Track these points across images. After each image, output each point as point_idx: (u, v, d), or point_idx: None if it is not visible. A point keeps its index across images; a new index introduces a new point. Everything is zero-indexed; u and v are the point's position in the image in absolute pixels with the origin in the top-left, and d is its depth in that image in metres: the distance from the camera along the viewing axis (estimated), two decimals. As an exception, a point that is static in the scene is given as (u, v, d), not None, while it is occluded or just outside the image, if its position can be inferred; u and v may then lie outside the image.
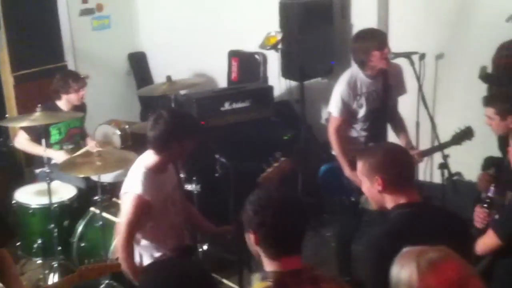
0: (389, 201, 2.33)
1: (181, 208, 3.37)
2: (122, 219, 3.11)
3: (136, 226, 3.07)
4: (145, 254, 3.23)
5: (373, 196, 2.38)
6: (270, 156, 2.83)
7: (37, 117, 3.96)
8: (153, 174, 3.11)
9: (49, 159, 4.31)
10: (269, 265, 2.04)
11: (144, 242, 3.22)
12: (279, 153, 2.84)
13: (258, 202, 2.05)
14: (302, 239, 2.08)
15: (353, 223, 4.05)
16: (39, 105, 4.04)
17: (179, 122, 3.06)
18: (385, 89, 3.95)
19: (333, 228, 4.65)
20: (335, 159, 4.01)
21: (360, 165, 2.40)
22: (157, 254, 3.23)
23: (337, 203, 4.12)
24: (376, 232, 2.28)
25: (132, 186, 3.08)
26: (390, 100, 4.04)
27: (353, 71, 3.96)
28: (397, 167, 2.32)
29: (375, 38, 3.83)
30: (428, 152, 4.19)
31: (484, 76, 4.34)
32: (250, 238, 2.07)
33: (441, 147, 4.00)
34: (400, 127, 4.17)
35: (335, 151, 4.00)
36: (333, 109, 3.98)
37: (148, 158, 3.14)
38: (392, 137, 4.24)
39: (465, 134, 3.91)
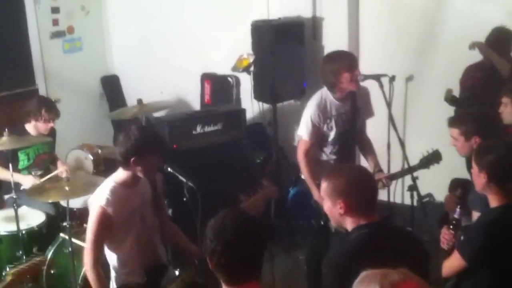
0: (350, 223, 2.42)
1: (154, 225, 3.41)
2: (87, 229, 3.22)
3: (99, 236, 3.16)
4: (112, 268, 3.31)
5: (333, 216, 2.46)
6: (256, 184, 2.87)
7: (4, 142, 3.98)
8: (120, 188, 3.21)
9: (17, 185, 4.33)
10: None
11: (110, 256, 3.31)
12: (265, 179, 2.88)
13: (212, 229, 2.13)
14: (258, 265, 2.15)
15: (323, 246, 4.10)
16: (6, 129, 4.05)
17: (142, 138, 3.15)
18: (354, 111, 4.02)
19: (305, 251, 4.71)
20: (304, 182, 4.08)
21: (324, 185, 2.48)
22: (124, 270, 3.29)
23: (306, 226, 4.17)
24: (334, 251, 2.37)
25: (96, 198, 3.20)
26: (358, 123, 4.10)
27: (323, 93, 4.01)
28: (360, 192, 2.41)
29: (345, 60, 3.89)
30: (396, 176, 4.25)
31: (450, 99, 4.49)
32: (208, 260, 2.15)
33: (409, 170, 4.07)
34: (368, 150, 4.23)
35: (304, 174, 4.04)
36: (303, 132, 4.02)
37: (118, 172, 3.25)
38: (362, 160, 4.35)
39: (432, 158, 3.99)
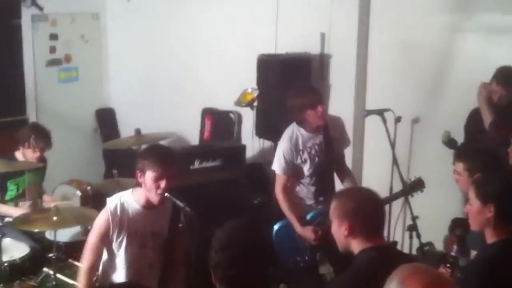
0: (355, 247, 2.63)
1: (154, 259, 3.54)
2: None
3: (97, 242, 3.45)
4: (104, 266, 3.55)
5: (339, 238, 2.68)
6: None
7: None
8: (133, 204, 3.45)
9: (1, 217, 4.44)
10: None
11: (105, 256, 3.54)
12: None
13: (219, 241, 2.27)
14: (264, 280, 2.29)
15: (311, 285, 4.25)
16: None
17: (145, 152, 3.49)
18: (327, 142, 4.32)
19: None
20: (286, 218, 4.31)
21: (332, 206, 2.70)
22: (113, 275, 3.54)
23: (292, 265, 4.30)
24: (341, 275, 2.55)
25: (110, 201, 3.45)
26: (333, 153, 4.37)
27: (294, 127, 4.32)
28: (366, 215, 2.62)
29: (308, 97, 4.20)
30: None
31: (447, 141, 4.70)
32: (212, 274, 2.29)
33: (392, 198, 4.36)
34: (348, 180, 4.47)
35: (284, 209, 4.31)
36: (276, 167, 4.34)
37: (139, 189, 3.48)
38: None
39: (415, 185, 4.28)
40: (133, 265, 3.52)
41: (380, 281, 2.00)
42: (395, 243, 4.35)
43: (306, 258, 4.27)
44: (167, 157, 3.40)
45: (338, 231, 2.66)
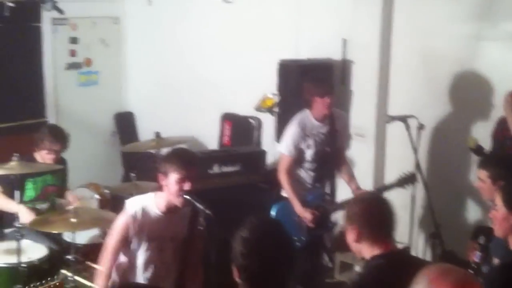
0: (366, 252, 2.67)
1: (172, 263, 3.57)
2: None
3: (116, 243, 3.50)
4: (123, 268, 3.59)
5: (351, 244, 2.73)
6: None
7: (12, 166, 4.17)
8: (153, 208, 3.49)
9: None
10: None
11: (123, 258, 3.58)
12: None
13: (246, 243, 2.30)
14: (286, 284, 2.33)
15: (307, 266, 4.47)
16: (16, 154, 4.22)
17: (168, 154, 3.56)
18: (332, 133, 4.66)
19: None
20: (285, 199, 4.59)
21: (344, 212, 2.79)
22: (131, 277, 3.59)
23: None
24: (352, 282, 2.56)
25: (131, 204, 3.50)
26: (336, 143, 4.71)
27: (304, 114, 4.67)
28: (373, 221, 2.66)
29: (320, 86, 4.58)
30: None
31: (475, 148, 4.68)
32: (234, 271, 2.32)
33: (385, 188, 4.57)
34: (346, 172, 4.81)
35: (286, 189, 4.63)
36: (283, 148, 4.64)
37: (160, 193, 3.52)
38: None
39: (409, 179, 4.55)
40: (151, 268, 3.57)
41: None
42: (407, 248, 4.35)
43: (303, 238, 4.57)
44: (190, 159, 3.49)
45: (349, 237, 2.73)
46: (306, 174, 4.73)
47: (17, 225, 4.16)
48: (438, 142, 5.23)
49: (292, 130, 4.63)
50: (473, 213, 4.39)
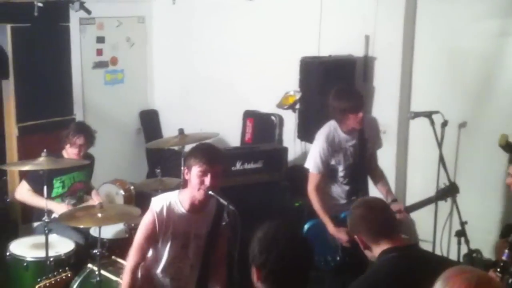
0: (375, 251, 2.75)
1: (196, 261, 3.59)
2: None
3: (143, 240, 3.50)
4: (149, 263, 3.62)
5: (363, 250, 2.82)
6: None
7: (41, 162, 4.27)
8: (178, 206, 3.49)
9: (50, 212, 4.53)
10: None
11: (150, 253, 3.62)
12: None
13: (264, 242, 2.32)
14: (306, 281, 2.35)
15: (340, 285, 4.27)
16: (45, 150, 4.33)
17: (192, 148, 3.54)
18: (361, 144, 4.40)
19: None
20: (318, 216, 4.34)
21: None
22: (155, 272, 3.63)
23: (322, 264, 4.34)
24: (363, 276, 2.61)
25: (157, 202, 3.50)
26: (367, 154, 4.46)
27: (331, 126, 4.39)
28: (371, 224, 2.76)
29: (351, 102, 4.27)
30: (414, 208, 4.49)
31: (505, 145, 4.64)
32: (253, 272, 2.34)
33: (426, 202, 4.39)
34: (380, 181, 4.57)
35: (316, 209, 4.33)
36: (311, 166, 4.36)
37: (186, 190, 3.53)
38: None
39: (449, 190, 4.34)
40: (174, 265, 3.60)
41: (401, 281, 2.06)
42: (415, 243, 4.31)
43: (338, 258, 4.34)
44: (213, 153, 3.44)
45: (360, 244, 2.82)
46: (340, 189, 4.48)
47: (45, 219, 4.25)
48: (462, 138, 5.20)
49: (319, 147, 4.35)
50: (500, 210, 4.34)
